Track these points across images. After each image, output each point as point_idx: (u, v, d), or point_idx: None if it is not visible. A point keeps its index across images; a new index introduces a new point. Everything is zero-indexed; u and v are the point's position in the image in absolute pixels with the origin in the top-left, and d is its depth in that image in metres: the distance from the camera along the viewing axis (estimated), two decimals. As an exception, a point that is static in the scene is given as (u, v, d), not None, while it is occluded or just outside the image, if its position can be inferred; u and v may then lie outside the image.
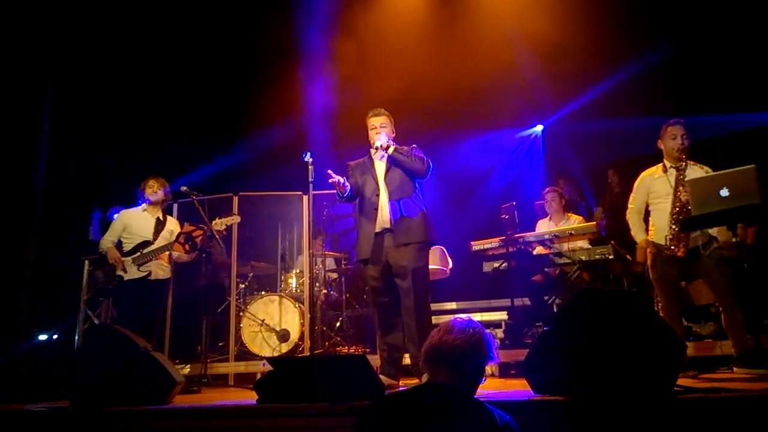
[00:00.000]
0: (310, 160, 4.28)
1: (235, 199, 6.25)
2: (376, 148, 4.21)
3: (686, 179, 4.02)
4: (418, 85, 7.07)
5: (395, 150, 4.13)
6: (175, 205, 6.16)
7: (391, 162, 4.19)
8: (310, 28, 7.49)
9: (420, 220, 4.12)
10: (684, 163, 4.12)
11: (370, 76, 7.08)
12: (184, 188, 5.27)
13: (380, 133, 4.24)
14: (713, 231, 4.05)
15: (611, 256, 5.22)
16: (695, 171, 4.13)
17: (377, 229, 4.12)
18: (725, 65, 6.53)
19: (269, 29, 7.39)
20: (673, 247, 4.02)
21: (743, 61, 6.45)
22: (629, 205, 4.45)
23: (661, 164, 4.31)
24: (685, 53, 6.67)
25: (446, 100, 7.52)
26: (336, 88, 7.61)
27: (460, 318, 2.31)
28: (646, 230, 4.32)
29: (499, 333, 5.60)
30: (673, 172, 4.16)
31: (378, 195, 4.17)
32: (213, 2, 7.18)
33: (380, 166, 4.28)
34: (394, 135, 4.36)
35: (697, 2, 6.45)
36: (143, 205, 5.38)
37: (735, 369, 3.92)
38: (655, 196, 4.21)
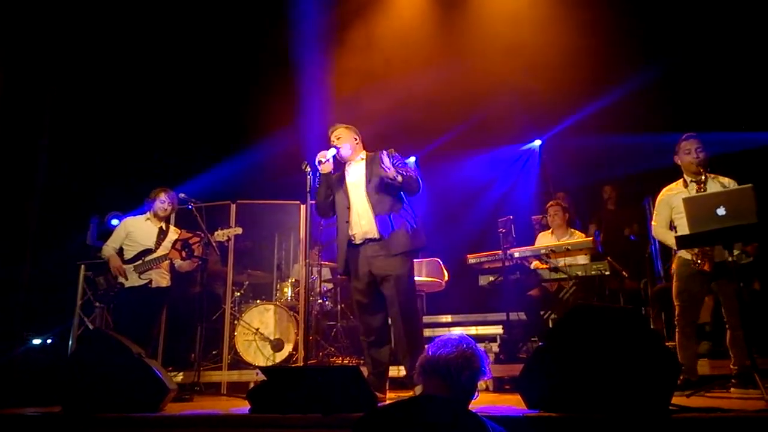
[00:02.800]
0: (309, 169, 4.29)
1: (233, 207, 6.25)
2: (389, 180, 4.02)
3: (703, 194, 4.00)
4: (416, 98, 7.11)
5: (403, 179, 3.97)
6: (173, 213, 6.15)
7: (376, 177, 4.09)
8: (310, 40, 7.54)
9: (404, 231, 4.05)
10: (704, 176, 4.11)
11: (369, 89, 7.11)
12: (182, 195, 5.30)
13: (340, 146, 4.21)
14: (737, 247, 4.03)
15: (607, 272, 5.23)
16: (716, 184, 4.11)
17: (357, 241, 4.07)
18: (722, 84, 6.57)
19: (269, 39, 7.46)
20: (699, 262, 4.01)
21: (739, 81, 6.50)
22: (653, 223, 4.44)
23: (681, 180, 4.29)
24: (682, 71, 6.72)
25: (443, 113, 7.55)
26: (334, 100, 7.64)
27: (453, 334, 2.35)
28: None
29: (494, 347, 5.58)
30: (693, 186, 4.15)
31: (349, 208, 4.12)
32: (214, 12, 7.21)
33: (354, 179, 4.21)
34: (357, 142, 4.31)
35: (693, 20, 6.50)
36: (147, 213, 5.38)
37: (732, 389, 3.92)
38: (677, 212, 4.15)
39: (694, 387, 3.85)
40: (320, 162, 4.08)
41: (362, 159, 4.27)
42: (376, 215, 4.03)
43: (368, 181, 4.12)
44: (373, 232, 4.02)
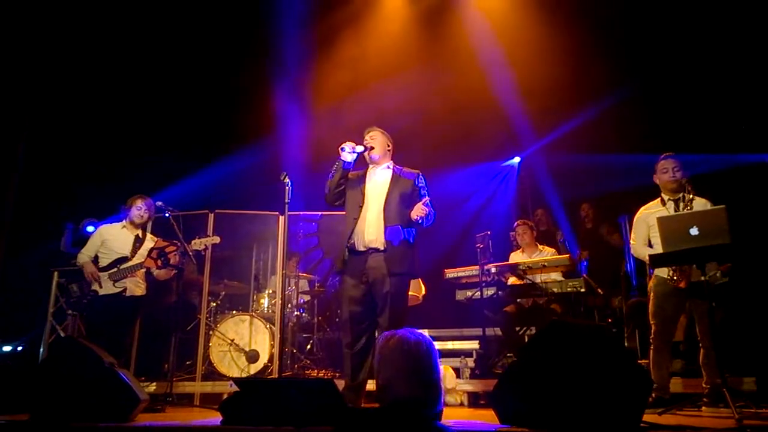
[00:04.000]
0: (288, 180, 4.28)
1: (211, 216, 6.20)
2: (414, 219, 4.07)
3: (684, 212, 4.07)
4: (396, 112, 7.13)
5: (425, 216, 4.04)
6: (150, 221, 6.10)
7: (397, 193, 4.15)
8: (291, 52, 7.57)
9: (411, 251, 4.11)
10: (683, 195, 4.18)
11: (349, 101, 7.14)
12: (159, 203, 5.25)
13: (374, 146, 4.25)
14: (713, 267, 4.11)
15: (583, 290, 5.28)
16: (693, 204, 4.16)
17: (359, 248, 4.06)
18: (698, 105, 6.71)
19: (249, 50, 7.47)
20: (675, 278, 4.07)
21: (715, 101, 6.65)
22: (631, 242, 4.50)
23: (659, 198, 4.37)
24: (658, 92, 6.86)
25: (423, 127, 7.61)
26: (314, 112, 7.67)
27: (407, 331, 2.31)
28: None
29: (470, 362, 5.59)
30: (671, 205, 4.24)
31: (361, 207, 4.11)
32: (194, 21, 7.20)
33: (376, 185, 4.22)
34: (389, 149, 4.36)
35: (670, 41, 6.64)
36: (124, 221, 5.33)
37: (703, 408, 3.97)
38: (654, 230, 4.17)
39: (666, 405, 3.89)
40: (343, 149, 4.11)
41: (389, 168, 4.30)
42: (386, 226, 4.04)
43: (389, 193, 4.14)
44: (379, 242, 4.02)
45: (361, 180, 4.26)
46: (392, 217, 4.08)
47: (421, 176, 4.27)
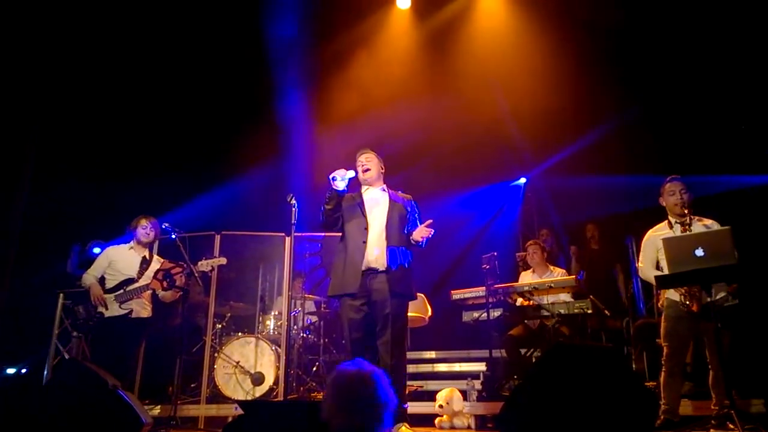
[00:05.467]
0: (294, 201, 4.30)
1: (217, 238, 6.20)
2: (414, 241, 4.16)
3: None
4: (399, 135, 7.20)
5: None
6: (156, 242, 6.11)
7: (397, 215, 4.23)
8: (295, 76, 7.65)
9: (410, 273, 4.16)
10: (688, 218, 4.18)
11: (352, 125, 7.19)
12: (165, 225, 5.28)
13: (369, 168, 4.31)
14: (722, 288, 4.08)
15: (590, 311, 5.24)
16: (699, 226, 4.17)
17: (364, 267, 4.07)
18: (704, 127, 6.72)
19: (255, 73, 7.54)
20: (687, 303, 4.03)
21: (721, 124, 6.66)
22: (639, 264, 4.47)
23: (666, 221, 4.37)
24: (664, 114, 6.88)
25: (427, 149, 7.65)
26: (318, 135, 7.73)
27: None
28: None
29: (477, 384, 5.54)
30: (678, 228, 4.22)
31: (367, 229, 4.15)
32: (200, 42, 7.29)
33: (374, 206, 4.26)
34: (382, 171, 4.43)
35: (677, 64, 6.68)
36: (131, 242, 5.35)
37: (712, 430, 3.92)
38: (663, 253, 4.14)
39: (675, 427, 3.85)
40: (335, 179, 4.12)
41: (384, 191, 4.37)
42: (388, 247, 4.09)
43: (389, 215, 4.20)
44: (380, 262, 4.06)
45: (359, 202, 4.29)
46: (394, 238, 4.14)
47: (413, 202, 4.37)
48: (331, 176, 4.13)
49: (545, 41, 7.04)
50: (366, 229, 4.15)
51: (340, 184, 4.14)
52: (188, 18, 7.00)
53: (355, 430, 2.10)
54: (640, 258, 4.47)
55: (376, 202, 4.29)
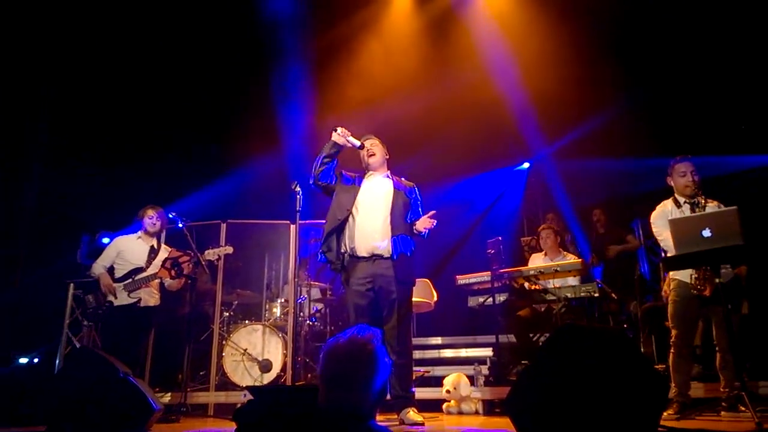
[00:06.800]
0: (299, 189, 4.30)
1: (223, 227, 6.23)
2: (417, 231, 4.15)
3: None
4: (403, 121, 7.16)
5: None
6: (164, 231, 6.14)
7: (401, 204, 4.21)
8: (298, 63, 7.63)
9: (414, 260, 4.17)
10: (700, 199, 4.13)
11: (355, 111, 7.17)
12: (172, 215, 5.31)
13: (374, 154, 4.31)
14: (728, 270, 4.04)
15: (597, 294, 5.24)
16: (712, 207, 4.10)
17: (362, 254, 4.08)
18: (708, 107, 6.68)
19: (260, 61, 7.53)
20: (699, 287, 3.99)
21: (726, 104, 6.61)
22: (659, 237, 4.27)
23: (671, 200, 4.30)
24: (668, 95, 6.83)
25: (430, 135, 7.63)
26: (322, 122, 7.71)
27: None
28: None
29: (484, 369, 5.56)
30: (687, 208, 4.16)
31: (349, 211, 4.14)
32: (202, 34, 7.29)
33: (375, 193, 4.24)
34: (387, 158, 4.43)
35: (680, 45, 6.62)
36: (138, 232, 5.40)
37: (722, 413, 3.92)
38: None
39: (688, 410, 3.86)
40: (338, 132, 4.16)
41: (388, 177, 4.35)
42: (393, 235, 4.09)
43: (394, 202, 4.19)
44: (386, 249, 4.06)
45: (356, 183, 4.29)
46: (398, 225, 4.14)
47: (416, 189, 4.35)
48: (337, 129, 4.15)
49: (548, 23, 6.99)
50: (348, 210, 4.14)
51: (339, 140, 4.17)
52: (193, 10, 7.01)
53: (350, 406, 2.02)
54: (657, 231, 4.30)
55: (379, 187, 4.28)
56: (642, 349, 5.33)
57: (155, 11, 6.93)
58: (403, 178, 4.43)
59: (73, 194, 7.14)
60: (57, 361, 5.92)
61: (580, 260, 5.58)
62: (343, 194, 4.23)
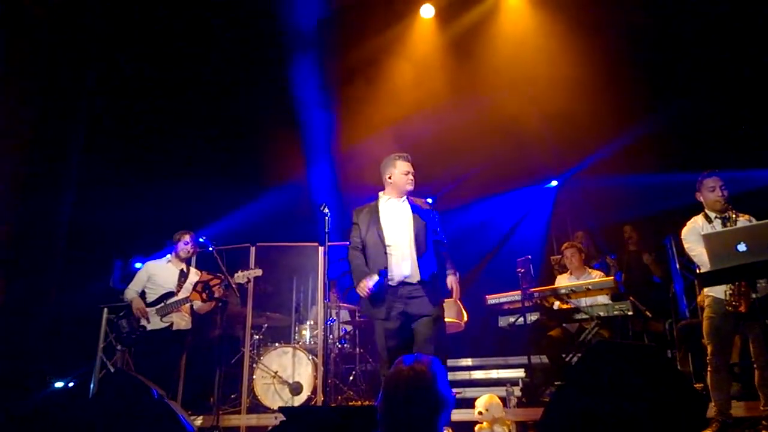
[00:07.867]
0: (327, 210, 4.33)
1: (253, 250, 6.29)
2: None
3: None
4: (431, 142, 7.20)
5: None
6: (194, 256, 6.22)
7: (422, 224, 4.16)
8: (323, 86, 7.75)
9: (441, 279, 4.19)
10: (730, 213, 4.09)
11: (381, 133, 7.23)
12: (202, 239, 5.40)
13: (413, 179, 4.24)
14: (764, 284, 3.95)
15: (630, 312, 5.13)
16: (743, 221, 4.08)
17: (392, 282, 4.05)
18: (736, 123, 6.59)
19: (286, 82, 7.66)
20: (735, 303, 3.92)
21: (752, 119, 6.52)
22: (693, 254, 4.19)
23: (701, 215, 4.26)
24: (696, 112, 6.75)
25: (458, 155, 7.64)
26: (347, 144, 7.80)
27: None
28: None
29: (516, 391, 5.48)
30: (718, 223, 4.12)
31: (383, 242, 4.09)
32: (231, 59, 7.45)
33: (396, 217, 4.20)
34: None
35: (707, 61, 6.57)
36: (168, 256, 5.51)
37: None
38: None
39: (729, 429, 3.75)
40: (363, 287, 4.04)
41: (405, 201, 4.28)
42: (419, 258, 4.06)
43: (416, 225, 4.16)
44: (414, 276, 4.04)
45: (375, 214, 4.23)
46: (422, 248, 4.10)
47: (434, 212, 4.21)
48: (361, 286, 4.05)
49: (571, 42, 6.99)
50: (383, 241, 4.09)
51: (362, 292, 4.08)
52: (221, 35, 7.19)
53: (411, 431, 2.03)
54: (689, 246, 4.22)
55: (399, 212, 4.23)
56: (679, 369, 5.21)
57: (187, 37, 7.12)
58: (420, 199, 4.37)
59: (104, 219, 7.29)
60: (91, 385, 6.00)
61: (611, 278, 5.49)
62: (372, 229, 4.16)
